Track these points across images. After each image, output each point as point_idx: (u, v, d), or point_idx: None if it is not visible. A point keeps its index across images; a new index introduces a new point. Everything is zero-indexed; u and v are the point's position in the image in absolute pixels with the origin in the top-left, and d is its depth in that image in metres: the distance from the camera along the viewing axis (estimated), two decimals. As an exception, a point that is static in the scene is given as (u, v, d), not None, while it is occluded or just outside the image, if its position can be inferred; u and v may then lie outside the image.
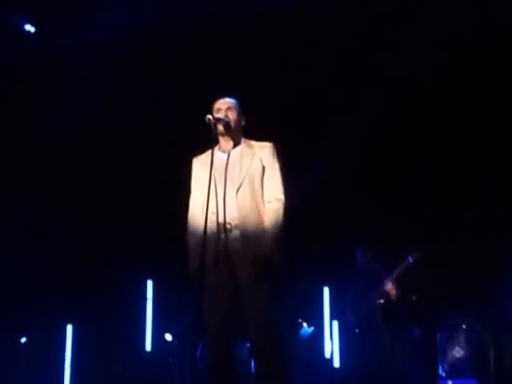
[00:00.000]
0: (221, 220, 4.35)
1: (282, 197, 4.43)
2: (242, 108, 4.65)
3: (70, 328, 8.91)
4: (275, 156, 4.53)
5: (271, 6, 7.15)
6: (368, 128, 8.04)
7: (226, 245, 4.33)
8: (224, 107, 4.56)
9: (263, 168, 4.47)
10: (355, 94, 7.93)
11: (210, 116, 4.43)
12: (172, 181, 5.75)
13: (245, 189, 4.40)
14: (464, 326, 7.33)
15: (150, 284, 8.74)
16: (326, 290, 8.65)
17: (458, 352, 7.28)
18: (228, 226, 4.35)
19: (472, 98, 7.63)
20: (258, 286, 4.25)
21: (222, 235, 4.34)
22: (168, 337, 8.34)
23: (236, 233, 4.34)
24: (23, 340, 8.81)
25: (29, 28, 7.59)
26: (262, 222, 4.36)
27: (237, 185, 4.40)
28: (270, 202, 4.42)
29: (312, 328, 8.58)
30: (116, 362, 8.48)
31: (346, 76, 7.79)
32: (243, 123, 4.62)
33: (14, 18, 7.51)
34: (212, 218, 4.30)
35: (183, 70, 7.72)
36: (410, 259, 7.25)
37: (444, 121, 7.88)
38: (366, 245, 7.66)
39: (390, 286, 7.28)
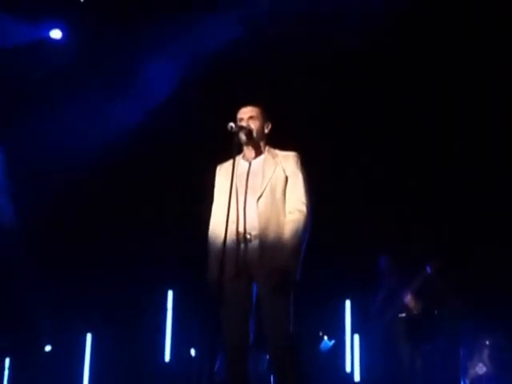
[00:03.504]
0: (241, 229, 4.32)
1: (303, 208, 4.37)
2: (267, 116, 4.62)
3: (89, 337, 8.90)
4: (299, 166, 4.49)
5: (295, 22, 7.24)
6: (393, 144, 8.03)
7: (245, 255, 4.30)
8: (247, 116, 4.54)
9: (286, 178, 4.44)
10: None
11: (232, 124, 4.42)
12: (195, 188, 5.74)
13: (266, 198, 4.36)
14: (487, 343, 7.23)
15: (170, 294, 8.71)
16: (348, 303, 8.57)
17: (480, 368, 7.19)
18: (248, 236, 4.32)
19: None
20: (276, 299, 4.22)
21: (242, 245, 4.31)
22: (192, 352, 8.35)
23: (256, 243, 4.30)
24: (48, 349, 8.82)
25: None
26: (283, 232, 4.31)
27: (258, 194, 4.37)
28: (291, 212, 4.36)
29: (333, 341, 8.50)
30: (134, 373, 8.45)
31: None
32: (267, 132, 4.59)
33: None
34: (232, 228, 4.28)
35: (211, 79, 7.77)
36: (429, 270, 7.18)
37: (466, 131, 7.84)
38: (390, 255, 7.61)
39: (409, 299, 7.20)
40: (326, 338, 8.50)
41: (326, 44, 7.34)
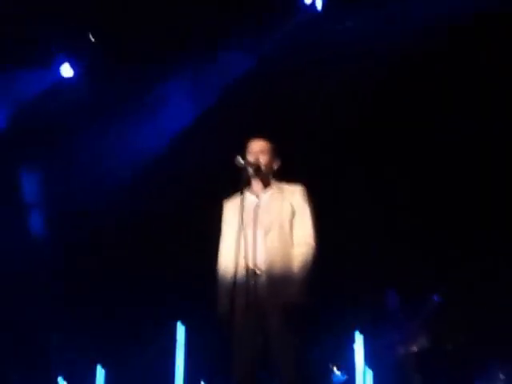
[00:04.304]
0: (249, 264, 4.32)
1: (311, 241, 4.41)
2: (277, 152, 4.65)
3: (100, 370, 8.88)
4: (306, 200, 4.52)
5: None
6: (400, 178, 8.07)
7: (255, 289, 4.29)
8: (256, 150, 4.57)
9: (293, 212, 4.46)
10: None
11: (239, 159, 4.44)
12: (205, 222, 5.77)
13: (274, 233, 4.39)
14: (502, 377, 7.17)
15: (181, 328, 8.70)
16: (359, 336, 8.53)
17: (495, 402, 7.11)
18: (257, 271, 4.32)
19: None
20: (287, 333, 4.22)
21: (252, 279, 4.30)
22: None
23: (264, 277, 4.31)
24: (61, 382, 8.80)
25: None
26: (291, 266, 4.34)
27: (266, 229, 4.39)
28: (299, 246, 4.39)
29: (345, 376, 8.44)
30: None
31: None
32: (275, 167, 4.62)
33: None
34: (241, 262, 4.30)
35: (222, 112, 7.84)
36: (436, 298, 7.15)
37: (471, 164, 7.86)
38: (396, 288, 7.58)
39: (418, 331, 7.17)
40: (337, 371, 8.44)
41: (336, 76, 7.43)
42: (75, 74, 7.71)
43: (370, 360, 8.23)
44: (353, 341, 8.44)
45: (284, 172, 4.65)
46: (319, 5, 7.46)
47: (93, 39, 7.59)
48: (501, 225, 7.82)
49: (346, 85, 7.55)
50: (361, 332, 8.46)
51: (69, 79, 7.75)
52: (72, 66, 7.71)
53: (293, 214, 4.46)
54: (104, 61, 7.67)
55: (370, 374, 8.30)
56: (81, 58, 7.70)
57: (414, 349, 7.24)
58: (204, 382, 8.48)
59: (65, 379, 8.76)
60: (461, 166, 7.91)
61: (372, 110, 7.91)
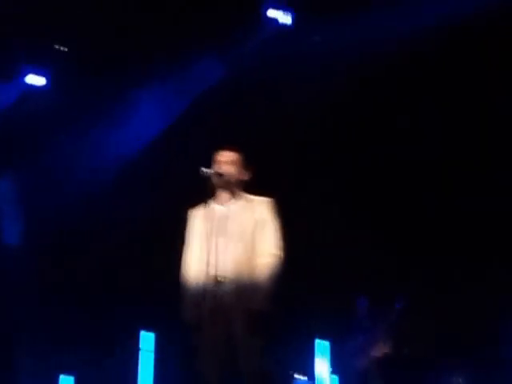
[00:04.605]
0: (215, 272, 4.39)
1: (277, 252, 4.47)
2: (245, 164, 4.69)
3: (68, 380, 8.87)
4: (272, 212, 4.58)
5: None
6: (369, 186, 8.19)
7: (220, 297, 4.37)
8: (223, 160, 4.61)
9: (259, 223, 4.52)
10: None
11: (203, 169, 4.50)
12: (171, 230, 5.84)
13: (239, 242, 4.45)
14: (460, 381, 7.30)
15: (146, 335, 8.74)
16: (325, 344, 8.64)
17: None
18: (222, 279, 4.40)
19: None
20: (252, 339, 4.30)
21: (216, 288, 4.38)
22: None
23: (229, 286, 4.38)
24: None
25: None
26: (256, 275, 4.40)
27: (231, 238, 4.45)
28: (264, 256, 4.45)
29: (311, 383, 8.53)
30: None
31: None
32: (242, 178, 4.65)
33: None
34: (206, 271, 4.36)
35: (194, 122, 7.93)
36: (398, 305, 7.28)
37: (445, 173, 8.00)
38: (365, 296, 7.69)
39: (380, 337, 7.28)
40: (303, 378, 8.53)
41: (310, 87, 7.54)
42: (45, 84, 7.76)
43: (332, 366, 8.34)
44: (315, 347, 8.55)
45: (252, 183, 4.71)
46: (289, 19, 7.58)
47: (61, 48, 7.63)
48: (461, 238, 7.95)
49: (315, 97, 7.65)
50: (323, 338, 8.58)
51: (37, 88, 7.79)
52: (40, 75, 7.76)
53: (259, 225, 4.51)
54: (73, 69, 7.71)
55: (333, 379, 8.43)
56: (49, 68, 7.73)
57: (376, 354, 7.35)
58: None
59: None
60: (422, 174, 8.04)
61: (339, 121, 8.03)
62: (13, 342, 8.48)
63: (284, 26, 7.57)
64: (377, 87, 7.67)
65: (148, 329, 8.76)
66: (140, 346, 8.63)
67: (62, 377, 8.78)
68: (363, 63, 7.27)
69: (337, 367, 8.45)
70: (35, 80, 7.78)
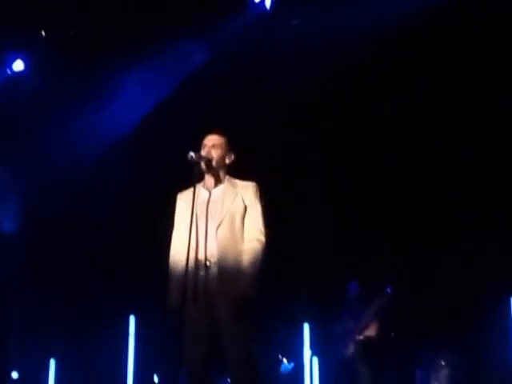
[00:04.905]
0: (201, 256, 4.41)
1: (262, 237, 4.49)
2: (231, 147, 4.70)
3: (53, 363, 8.88)
4: (258, 196, 4.59)
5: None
6: (357, 170, 8.24)
7: (205, 281, 4.38)
8: (210, 143, 4.62)
9: (245, 207, 4.53)
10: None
11: (191, 154, 4.49)
12: (156, 215, 5.85)
13: (225, 227, 4.46)
14: (443, 363, 7.38)
15: (132, 320, 8.75)
16: (306, 327, 8.70)
17: (437, 389, 7.34)
18: (207, 263, 4.41)
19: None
20: (236, 325, 4.31)
21: (202, 272, 4.39)
22: (155, 379, 8.37)
23: (215, 270, 4.40)
24: (15, 376, 8.75)
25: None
26: (241, 260, 4.41)
27: (217, 222, 4.46)
28: (250, 241, 4.47)
29: (292, 364, 8.59)
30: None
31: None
32: (228, 161, 4.67)
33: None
34: (192, 255, 4.35)
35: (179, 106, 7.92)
36: (389, 290, 7.33)
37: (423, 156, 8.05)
38: (356, 280, 7.72)
39: (368, 321, 7.35)
40: (285, 360, 8.59)
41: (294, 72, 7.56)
42: (27, 67, 7.72)
43: (317, 349, 8.40)
44: (302, 331, 8.61)
45: (237, 167, 4.71)
46: (268, 3, 7.59)
47: (44, 32, 7.58)
48: (448, 220, 8.01)
49: (298, 80, 7.66)
50: (310, 322, 8.64)
51: (21, 73, 7.75)
52: (24, 60, 7.71)
53: (244, 209, 4.52)
54: (56, 52, 7.67)
55: (316, 362, 8.49)
56: (30, 52, 7.69)
57: (363, 338, 7.41)
58: (156, 374, 8.53)
59: (18, 372, 8.75)
60: (415, 159, 8.08)
61: (323, 104, 8.04)
62: (3, 328, 8.47)
63: (265, 8, 7.56)
64: (363, 71, 7.68)
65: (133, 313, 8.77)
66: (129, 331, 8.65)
67: (52, 361, 8.79)
68: (349, 47, 7.28)
69: (317, 350, 8.51)
70: (17, 65, 7.73)
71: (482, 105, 7.62)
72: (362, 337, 7.44)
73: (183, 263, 4.31)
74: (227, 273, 4.38)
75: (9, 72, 7.69)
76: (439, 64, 7.61)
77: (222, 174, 4.66)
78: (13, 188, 8.36)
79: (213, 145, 4.62)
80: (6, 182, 8.34)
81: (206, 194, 4.60)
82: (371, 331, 7.42)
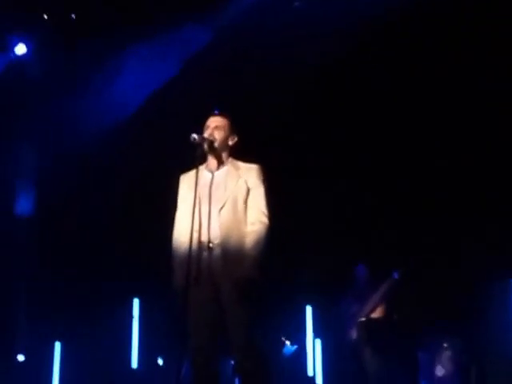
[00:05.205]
0: (203, 238, 4.42)
1: (265, 219, 4.48)
2: (234, 129, 4.70)
3: (58, 346, 8.93)
4: (261, 178, 4.59)
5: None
6: (365, 154, 8.20)
7: (208, 263, 4.39)
8: (213, 125, 4.62)
9: (248, 190, 4.52)
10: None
11: (194, 136, 4.49)
12: (160, 197, 5.87)
13: (228, 209, 4.46)
14: (445, 345, 7.40)
15: (136, 302, 8.79)
16: (309, 309, 8.74)
17: (439, 371, 7.36)
18: (210, 245, 4.42)
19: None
20: (240, 307, 4.32)
21: (205, 253, 4.40)
22: (160, 361, 8.41)
23: (218, 252, 4.40)
24: (21, 358, 8.80)
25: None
26: (244, 242, 4.41)
27: (220, 204, 4.46)
28: (253, 223, 4.46)
29: (295, 346, 8.63)
30: (103, 380, 8.49)
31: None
32: (231, 143, 4.66)
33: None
34: (195, 236, 4.37)
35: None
36: (396, 276, 7.34)
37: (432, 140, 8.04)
38: (364, 264, 7.72)
39: (374, 304, 7.35)
40: (288, 343, 8.63)
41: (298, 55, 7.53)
42: (30, 51, 7.72)
43: (320, 331, 8.43)
44: (303, 313, 8.64)
45: (241, 149, 4.71)
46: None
47: (45, 16, 7.57)
48: (453, 206, 8.00)
49: (300, 63, 7.63)
50: (312, 305, 8.67)
51: (24, 56, 7.75)
52: (26, 43, 7.71)
53: (247, 191, 4.51)
54: (57, 34, 7.65)
55: (319, 345, 8.54)
56: (35, 35, 7.68)
57: (365, 320, 7.43)
58: (160, 357, 8.57)
59: (23, 355, 8.79)
60: (421, 139, 8.05)
61: (326, 87, 8.01)
62: (11, 310, 8.51)
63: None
64: (364, 50, 7.65)
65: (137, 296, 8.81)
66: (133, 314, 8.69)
67: (57, 344, 8.84)
68: (352, 29, 7.24)
69: (319, 332, 8.54)
70: (20, 49, 7.73)
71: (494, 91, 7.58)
72: (365, 319, 7.45)
73: (186, 245, 4.32)
74: (230, 254, 4.38)
75: (12, 56, 7.68)
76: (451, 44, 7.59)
77: (224, 155, 4.65)
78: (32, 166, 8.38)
79: (216, 126, 4.62)
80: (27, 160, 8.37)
81: (209, 175, 4.60)
82: (375, 314, 7.43)
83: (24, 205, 8.48)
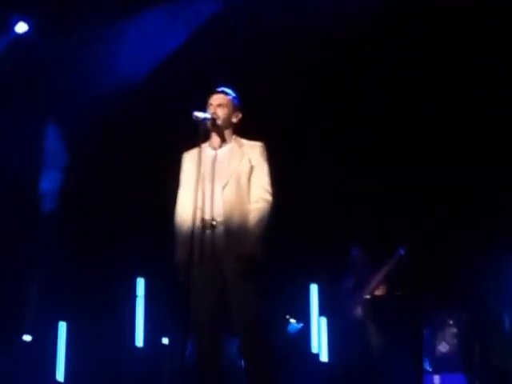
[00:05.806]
0: (207, 216, 4.41)
1: (268, 197, 4.48)
2: (238, 106, 4.66)
3: (63, 325, 8.97)
4: (264, 156, 4.57)
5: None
6: (366, 134, 8.18)
7: (211, 241, 4.38)
8: (216, 102, 4.59)
9: (251, 168, 4.51)
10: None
11: (196, 113, 4.46)
12: (163, 175, 5.85)
13: (231, 186, 4.45)
14: (450, 322, 7.42)
15: (140, 281, 8.81)
16: (314, 287, 8.75)
17: (444, 347, 7.36)
18: (213, 222, 4.41)
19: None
20: (244, 284, 4.31)
21: (208, 231, 4.39)
22: (165, 340, 8.45)
23: (221, 229, 4.39)
24: (28, 338, 8.84)
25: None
26: (247, 220, 4.41)
27: (223, 182, 4.45)
28: (256, 201, 4.46)
29: (301, 324, 8.66)
30: (108, 358, 8.53)
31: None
32: (235, 120, 4.64)
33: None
34: (198, 214, 4.35)
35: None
36: (402, 252, 7.33)
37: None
38: (362, 244, 7.72)
39: (380, 281, 7.35)
40: (293, 321, 8.66)
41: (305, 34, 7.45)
42: (31, 28, 7.68)
43: (325, 309, 8.45)
44: (310, 292, 8.65)
45: (244, 126, 4.67)
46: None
47: None
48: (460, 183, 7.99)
49: (313, 35, 7.53)
50: (317, 283, 8.68)
51: (25, 34, 7.71)
52: (27, 21, 7.67)
53: (251, 169, 4.50)
54: (60, 13, 7.60)
55: (324, 322, 8.56)
56: (35, 13, 7.63)
57: (368, 296, 7.43)
58: (165, 336, 8.60)
59: (29, 335, 8.84)
60: (426, 116, 8.00)
61: (332, 63, 7.93)
62: (16, 291, 8.55)
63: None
64: (370, 30, 7.57)
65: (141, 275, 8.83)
66: (137, 293, 8.72)
67: (62, 324, 8.88)
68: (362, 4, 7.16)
69: (325, 309, 8.56)
70: (20, 27, 7.69)
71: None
72: (370, 296, 7.45)
73: (189, 222, 4.31)
74: (233, 232, 4.37)
75: (13, 34, 7.64)
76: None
77: (228, 133, 4.63)
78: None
79: (219, 104, 4.59)
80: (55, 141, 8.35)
81: (212, 153, 4.58)
82: (380, 291, 7.43)
83: (48, 186, 8.46)
